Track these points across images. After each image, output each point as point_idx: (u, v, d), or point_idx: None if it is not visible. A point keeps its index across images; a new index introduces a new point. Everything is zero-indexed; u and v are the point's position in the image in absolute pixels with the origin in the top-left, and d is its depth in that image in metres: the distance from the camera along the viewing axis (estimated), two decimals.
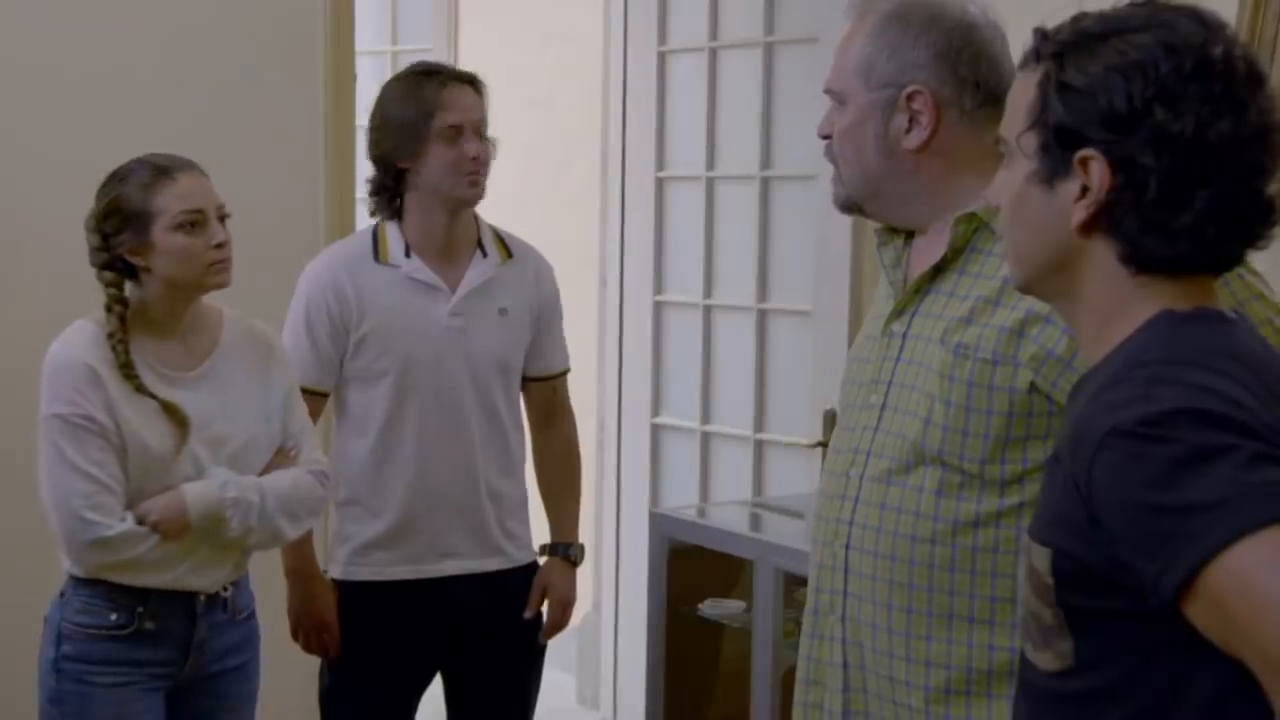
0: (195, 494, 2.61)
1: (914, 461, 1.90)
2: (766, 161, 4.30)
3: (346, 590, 3.05)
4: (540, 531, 3.23)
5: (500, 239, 3.12)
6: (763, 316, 4.35)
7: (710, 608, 3.64)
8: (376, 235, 3.04)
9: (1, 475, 3.31)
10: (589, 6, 5.12)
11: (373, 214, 3.09)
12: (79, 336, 2.62)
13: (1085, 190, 1.39)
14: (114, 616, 2.63)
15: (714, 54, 4.45)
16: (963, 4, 1.97)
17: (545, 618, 3.16)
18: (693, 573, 3.67)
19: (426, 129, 2.94)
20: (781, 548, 3.35)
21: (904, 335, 1.96)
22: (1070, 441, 1.36)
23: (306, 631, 3.03)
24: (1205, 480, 1.23)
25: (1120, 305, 1.42)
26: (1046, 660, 1.41)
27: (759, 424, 4.36)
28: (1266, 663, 1.22)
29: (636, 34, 4.67)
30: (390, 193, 3.02)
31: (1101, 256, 1.41)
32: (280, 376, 2.79)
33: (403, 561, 3.02)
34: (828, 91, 2.03)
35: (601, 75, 4.99)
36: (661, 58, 4.60)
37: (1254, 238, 1.42)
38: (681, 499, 4.50)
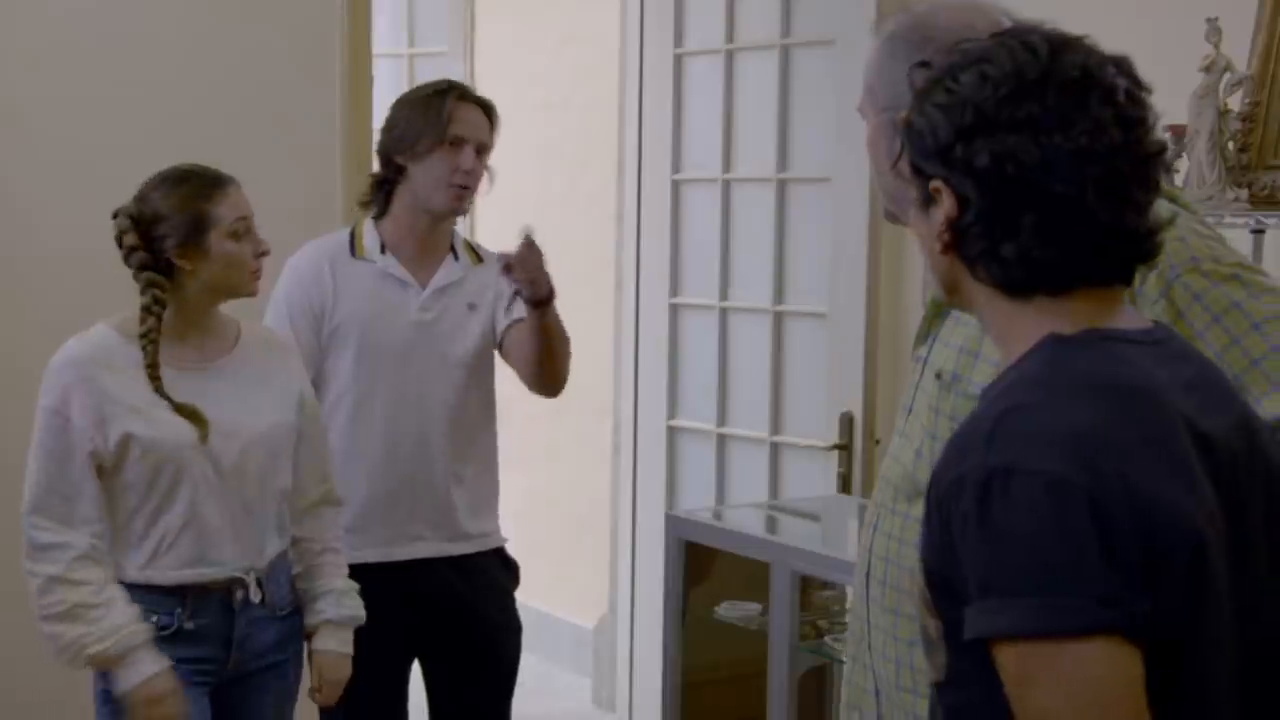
0: (337, 650, 2.86)
1: (912, 492, 1.90)
2: (783, 164, 4.30)
3: None
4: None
5: (471, 247, 3.27)
6: (779, 319, 4.34)
7: (726, 610, 3.64)
8: (354, 232, 3.18)
9: (9, 475, 3.32)
10: (605, 9, 5.12)
11: (362, 205, 3.21)
12: (90, 338, 2.67)
13: (947, 218, 1.43)
14: (155, 619, 2.66)
15: (730, 56, 4.44)
16: (971, 19, 1.89)
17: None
18: (709, 575, 3.67)
19: (432, 134, 3.07)
20: (798, 550, 3.34)
21: (925, 361, 1.96)
22: (940, 462, 1.38)
23: None
24: (1012, 558, 1.26)
25: (1008, 326, 1.44)
26: (931, 672, 1.44)
27: (775, 426, 4.36)
28: None
29: (653, 36, 4.66)
30: (386, 188, 3.15)
31: (979, 278, 1.45)
32: (296, 376, 2.86)
33: (372, 545, 3.12)
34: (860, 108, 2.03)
35: (618, 77, 4.99)
36: (678, 60, 4.60)
37: (1099, 254, 1.40)
38: (697, 501, 4.49)
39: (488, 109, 3.17)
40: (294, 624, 2.85)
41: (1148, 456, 1.29)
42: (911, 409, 1.96)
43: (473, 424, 3.20)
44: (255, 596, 2.74)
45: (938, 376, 1.89)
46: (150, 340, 2.63)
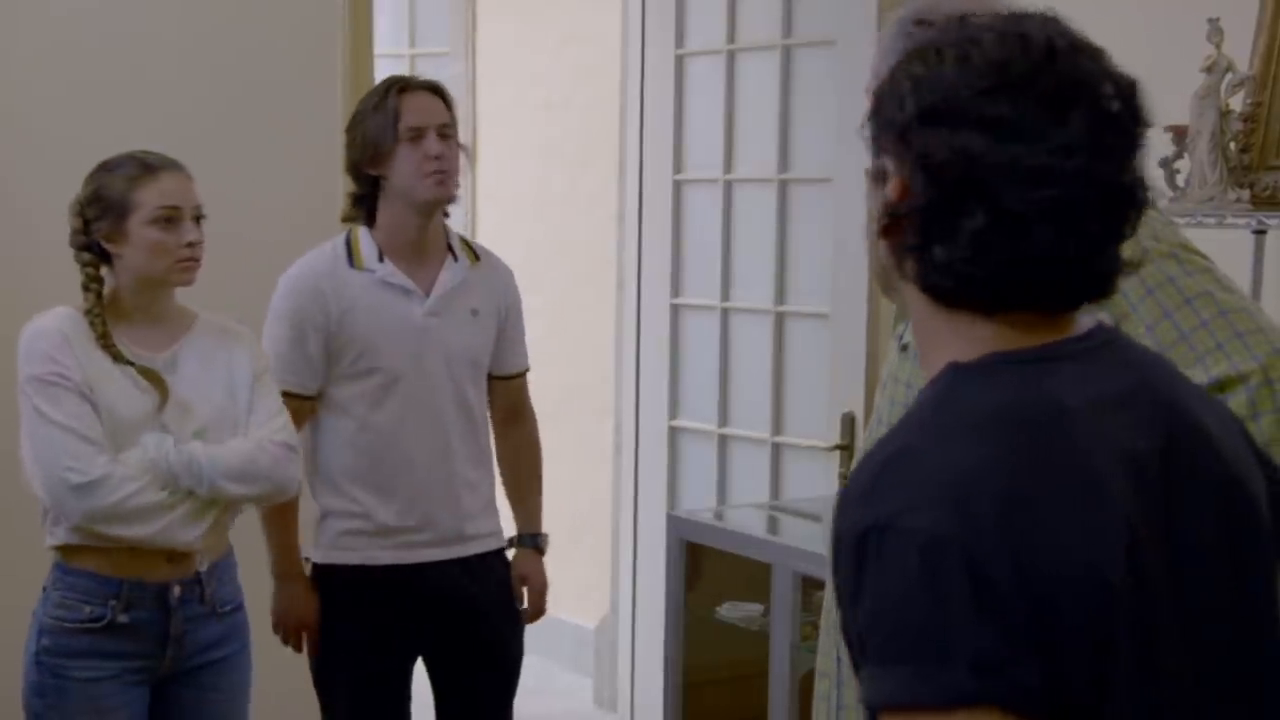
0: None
1: None
2: (784, 164, 4.30)
3: (330, 574, 3.13)
4: (509, 526, 3.36)
5: (467, 244, 3.26)
6: (780, 319, 4.34)
7: (728, 610, 3.65)
8: (349, 242, 3.14)
9: (10, 475, 3.32)
10: (607, 9, 5.12)
11: (345, 220, 3.20)
12: (52, 313, 2.73)
13: (888, 201, 1.30)
14: (88, 610, 2.67)
15: (732, 56, 4.44)
16: (967, 9, 1.92)
17: (526, 606, 3.30)
18: (710, 575, 3.67)
19: (391, 134, 3.05)
20: (799, 551, 3.34)
21: (901, 338, 2.01)
22: (834, 512, 1.27)
23: (288, 629, 3.14)
24: (886, 623, 1.17)
25: (930, 337, 1.31)
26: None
27: (777, 427, 4.36)
28: None
29: (654, 36, 4.67)
30: (367, 201, 3.13)
31: (904, 275, 1.31)
32: (248, 359, 2.85)
33: (386, 548, 3.12)
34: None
35: (619, 78, 4.99)
36: (679, 60, 4.60)
37: (1035, 281, 1.25)
38: (699, 502, 4.49)
39: (436, 90, 3.13)
40: (237, 620, 2.85)
41: (1044, 492, 1.18)
42: (885, 384, 2.02)
43: (477, 426, 3.22)
44: (194, 593, 2.74)
45: (904, 349, 1.95)
46: (95, 315, 2.69)
